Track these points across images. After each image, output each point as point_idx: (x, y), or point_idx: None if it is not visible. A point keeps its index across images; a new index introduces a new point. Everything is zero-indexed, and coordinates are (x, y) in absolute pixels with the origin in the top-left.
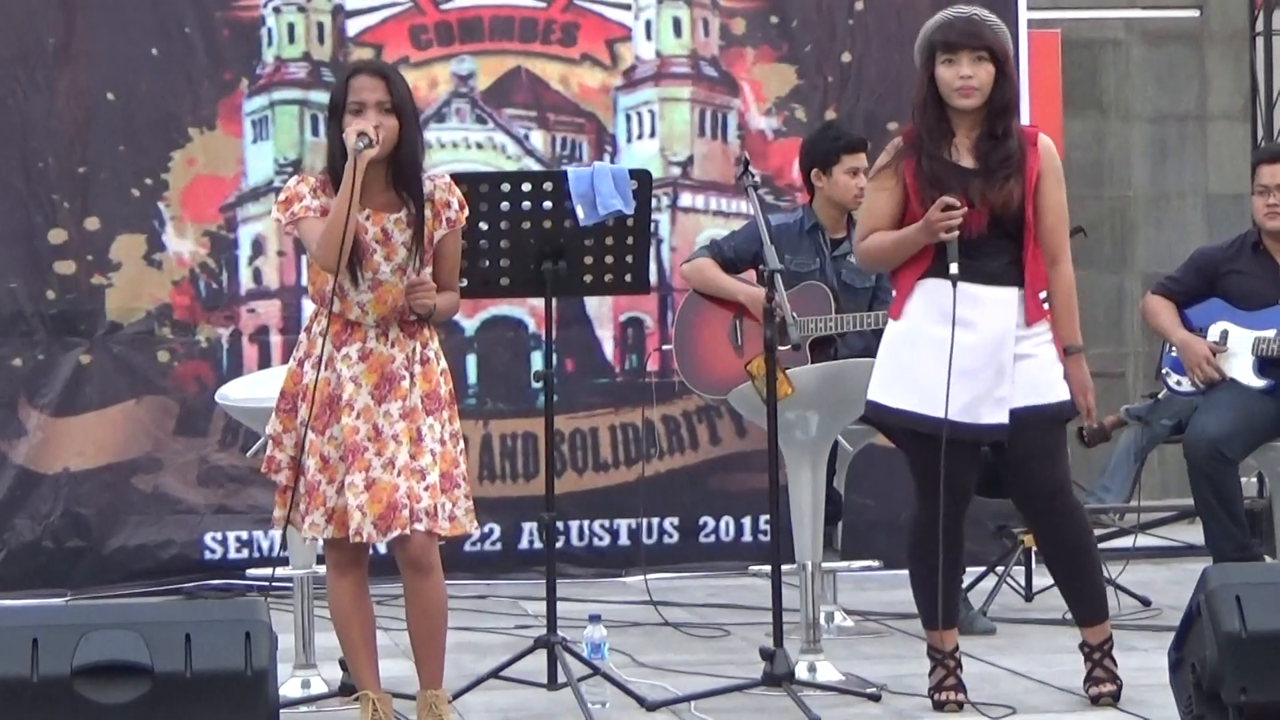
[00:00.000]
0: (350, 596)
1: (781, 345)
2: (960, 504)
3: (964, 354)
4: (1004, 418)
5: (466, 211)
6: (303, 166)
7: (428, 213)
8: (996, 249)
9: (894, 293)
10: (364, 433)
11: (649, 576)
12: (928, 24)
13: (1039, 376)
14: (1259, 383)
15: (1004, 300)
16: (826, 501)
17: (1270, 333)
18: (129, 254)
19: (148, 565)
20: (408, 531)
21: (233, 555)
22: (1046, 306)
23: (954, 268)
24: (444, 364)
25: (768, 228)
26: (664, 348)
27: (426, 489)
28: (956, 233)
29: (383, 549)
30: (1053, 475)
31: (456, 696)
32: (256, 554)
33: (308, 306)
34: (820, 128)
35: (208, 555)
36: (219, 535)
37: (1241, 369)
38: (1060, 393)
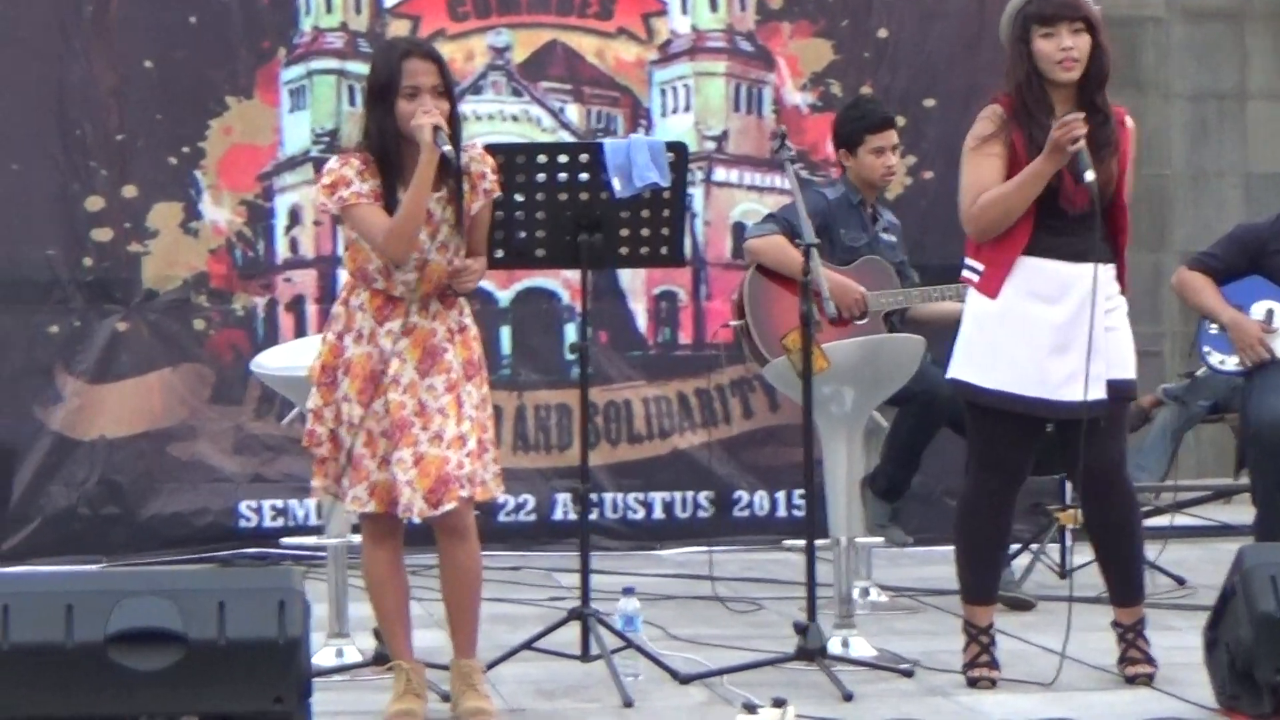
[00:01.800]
0: (386, 566)
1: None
2: (1017, 483)
3: (1054, 331)
4: (1102, 393)
5: (499, 178)
6: (339, 136)
7: (465, 186)
8: (1088, 226)
9: (981, 266)
10: (410, 408)
11: (683, 550)
12: None
13: (1122, 351)
14: None
15: (1100, 274)
16: (899, 475)
17: None
18: (166, 222)
19: (183, 533)
20: (457, 504)
21: (268, 524)
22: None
23: (1089, 175)
24: (476, 329)
25: (823, 201)
26: (732, 324)
27: (468, 455)
28: (1082, 140)
29: (417, 519)
30: (1116, 450)
31: (490, 667)
32: (291, 523)
33: (343, 276)
34: (846, 106)
35: (242, 523)
36: (254, 504)
37: None
38: (1133, 368)
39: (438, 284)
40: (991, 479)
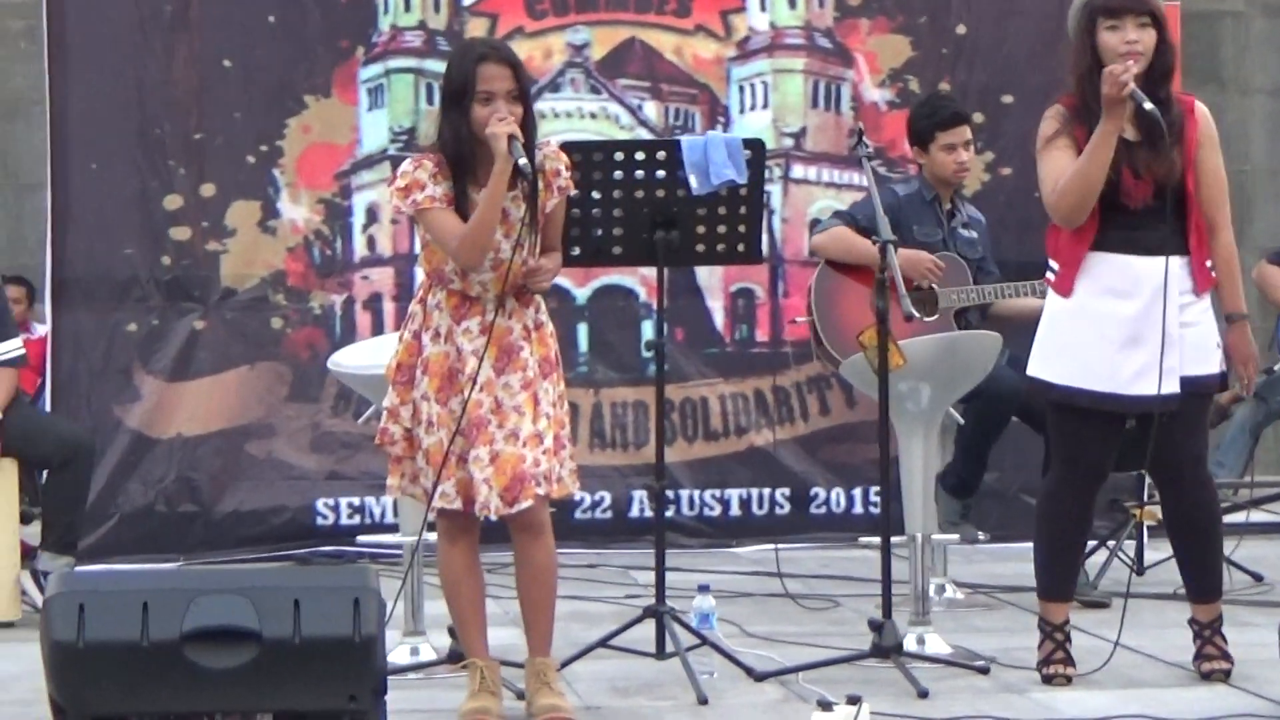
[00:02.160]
0: (461, 564)
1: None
2: (1099, 480)
3: (1126, 325)
4: (1175, 387)
5: (575, 174)
6: (417, 135)
7: (539, 185)
8: (1156, 219)
9: (1057, 265)
10: (487, 406)
11: (759, 547)
12: None
13: (1201, 346)
14: None
15: (1169, 266)
16: (969, 473)
17: None
18: (244, 220)
19: (260, 531)
20: (533, 502)
21: (344, 521)
22: (1213, 274)
23: (1148, 105)
24: (551, 326)
25: (893, 198)
26: (797, 320)
27: (544, 453)
28: (1131, 81)
29: (494, 516)
30: (1197, 446)
31: (565, 665)
32: (368, 520)
33: (419, 275)
34: (918, 104)
35: (319, 521)
36: (331, 501)
37: None
38: (1217, 364)
39: (513, 283)
40: (1072, 476)
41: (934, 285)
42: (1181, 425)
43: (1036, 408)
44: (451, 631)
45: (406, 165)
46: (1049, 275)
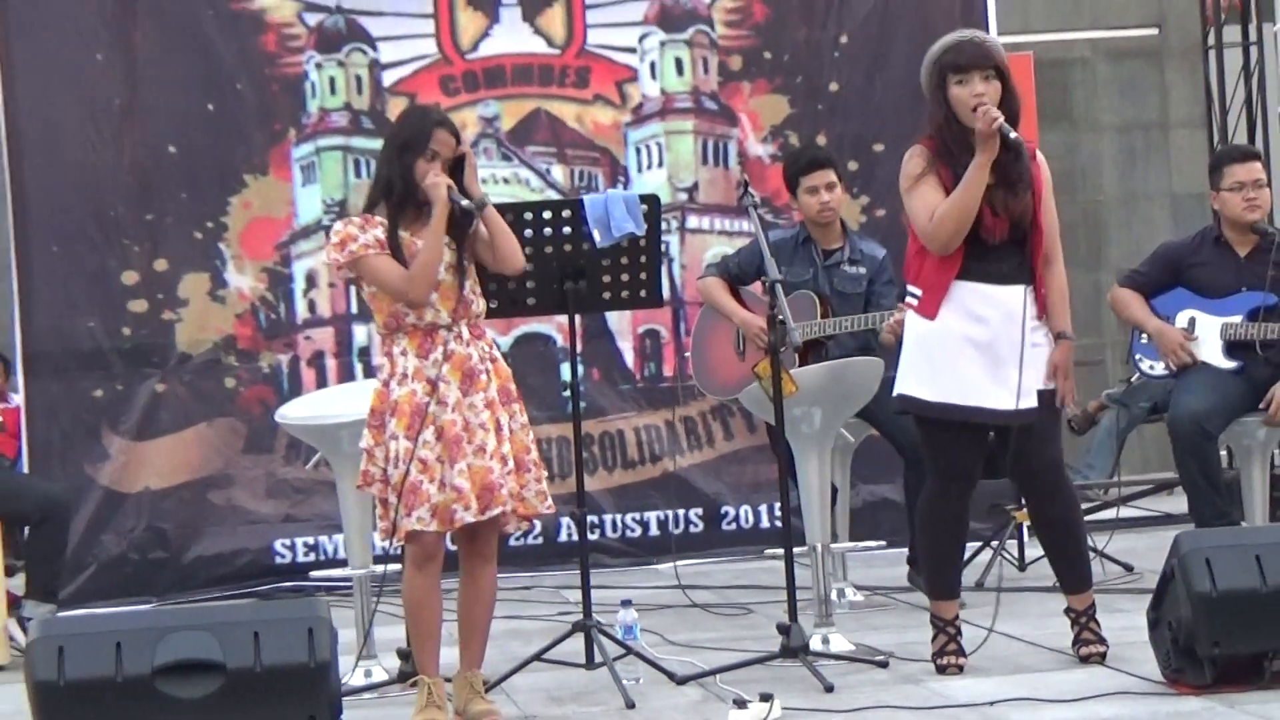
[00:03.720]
0: (426, 588)
1: (783, 348)
2: (970, 487)
3: (985, 347)
4: (1034, 401)
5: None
6: (347, 206)
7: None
8: (1008, 252)
9: (920, 291)
10: (459, 425)
11: (676, 563)
12: (934, 48)
13: (1046, 364)
14: (1229, 364)
15: (1018, 296)
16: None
17: (1237, 318)
18: (195, 291)
19: (224, 571)
20: (508, 508)
21: (300, 559)
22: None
23: (1014, 134)
24: (503, 362)
25: (767, 243)
26: (686, 354)
27: (508, 473)
28: (998, 114)
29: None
30: (1052, 453)
31: (503, 679)
32: (322, 556)
33: (359, 331)
34: (786, 156)
35: (278, 560)
36: (288, 541)
37: (1211, 352)
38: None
39: (458, 299)
40: (948, 484)
41: (784, 321)
42: (1038, 435)
43: (897, 427)
44: (401, 654)
45: (337, 225)
46: (910, 300)
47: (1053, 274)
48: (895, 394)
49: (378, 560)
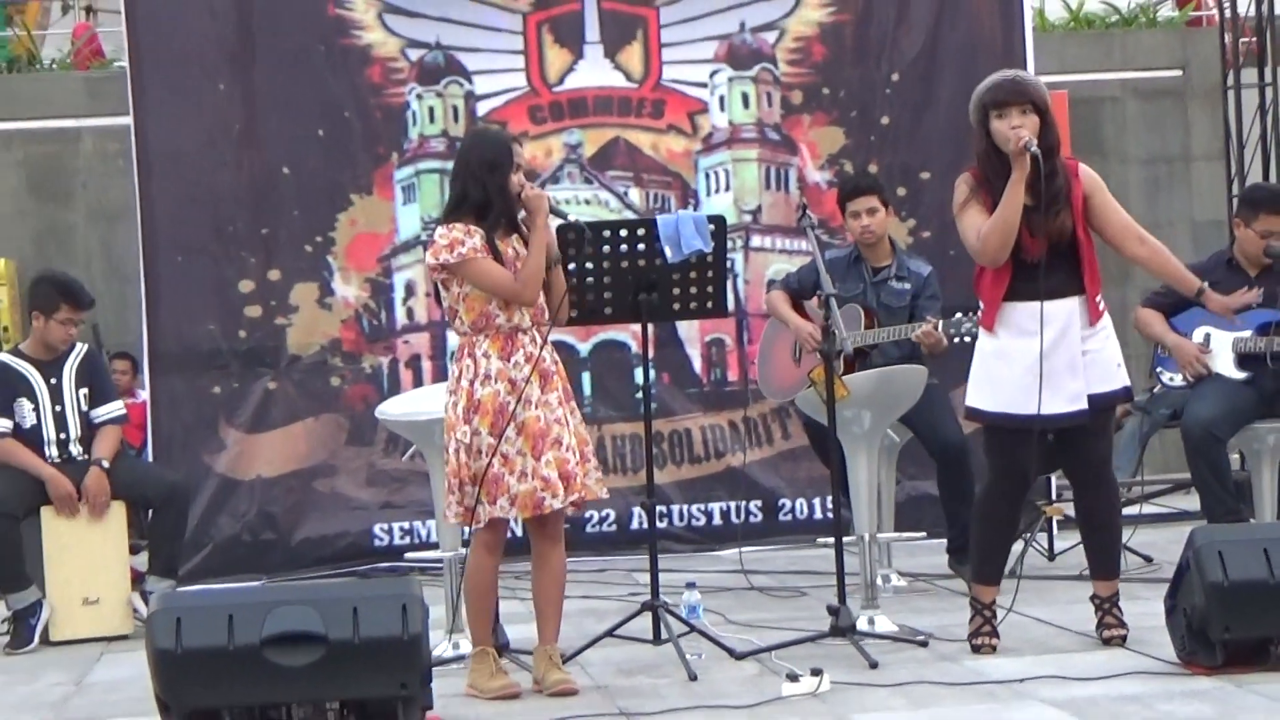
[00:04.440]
0: (492, 569)
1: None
2: (1024, 487)
3: (1036, 360)
4: (1084, 405)
5: (572, 250)
6: None
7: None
8: (1055, 267)
9: (983, 305)
10: (543, 420)
11: (737, 550)
12: (979, 88)
13: (1103, 367)
14: (1240, 375)
15: (1067, 309)
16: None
17: (1247, 332)
18: (305, 299)
19: (327, 552)
20: (583, 495)
21: (396, 542)
22: (1102, 307)
23: (1034, 148)
24: (562, 368)
25: (823, 260)
26: (754, 362)
27: (577, 464)
28: (1026, 136)
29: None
30: (1102, 450)
31: (578, 653)
32: (416, 540)
33: (452, 337)
34: (837, 184)
35: (376, 542)
36: (385, 526)
37: (1224, 364)
38: (1118, 380)
39: (537, 308)
40: (1003, 484)
41: (836, 331)
42: (1090, 434)
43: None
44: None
45: (441, 230)
46: (978, 314)
47: (1150, 248)
48: (966, 404)
49: (466, 544)
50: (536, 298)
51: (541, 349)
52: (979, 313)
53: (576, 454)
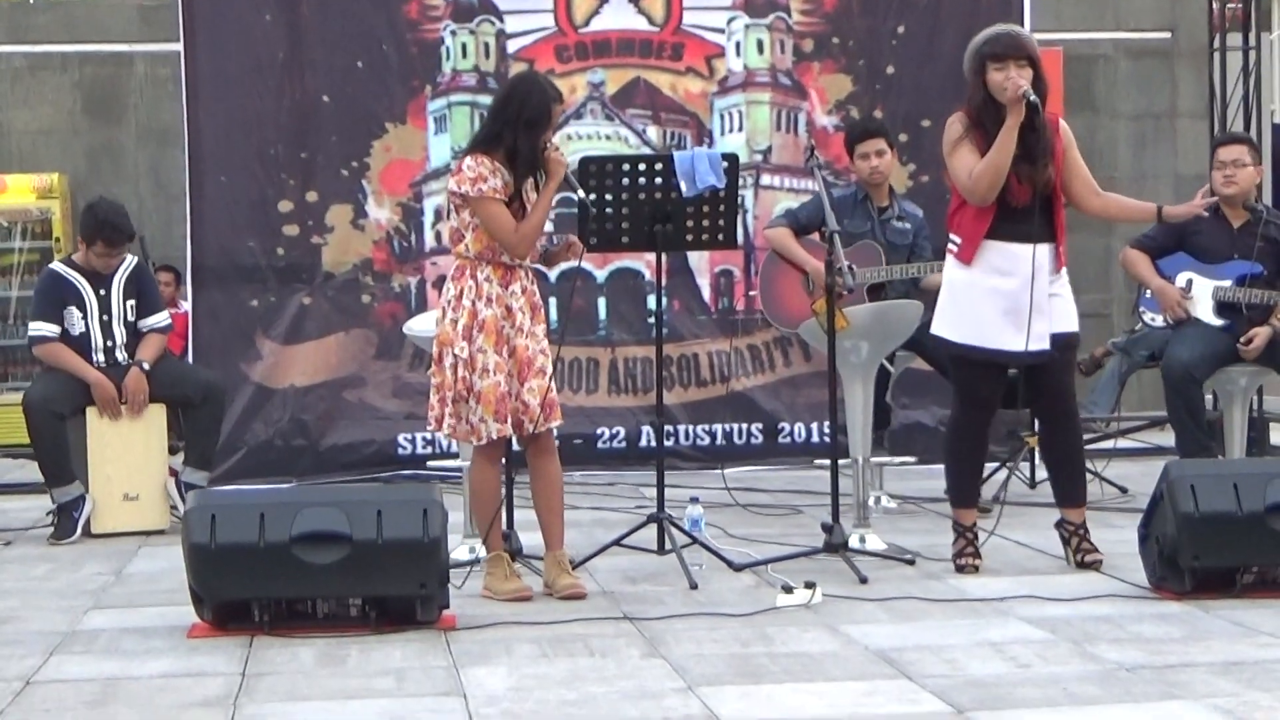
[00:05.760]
0: (496, 480)
1: (841, 290)
2: (989, 414)
3: (1008, 297)
4: (1045, 344)
5: (593, 181)
6: None
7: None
8: (1033, 215)
9: (959, 240)
10: (531, 349)
11: (739, 469)
12: (976, 40)
13: (1066, 310)
14: (1218, 322)
15: (1040, 252)
16: (880, 412)
17: (1227, 282)
18: (340, 220)
19: (354, 459)
20: (561, 421)
21: (419, 451)
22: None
23: (1033, 97)
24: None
25: (829, 199)
26: (751, 293)
27: (552, 386)
28: (1024, 86)
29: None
30: (1068, 385)
31: (587, 560)
32: (438, 450)
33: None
34: (846, 127)
35: (400, 451)
36: (409, 436)
37: (1204, 310)
38: (1075, 322)
39: (531, 257)
40: (970, 410)
41: (852, 266)
42: (1053, 370)
43: (940, 358)
44: (503, 535)
45: (469, 160)
46: (951, 247)
47: (1105, 198)
48: (931, 331)
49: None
50: (528, 254)
51: (533, 283)
52: (954, 246)
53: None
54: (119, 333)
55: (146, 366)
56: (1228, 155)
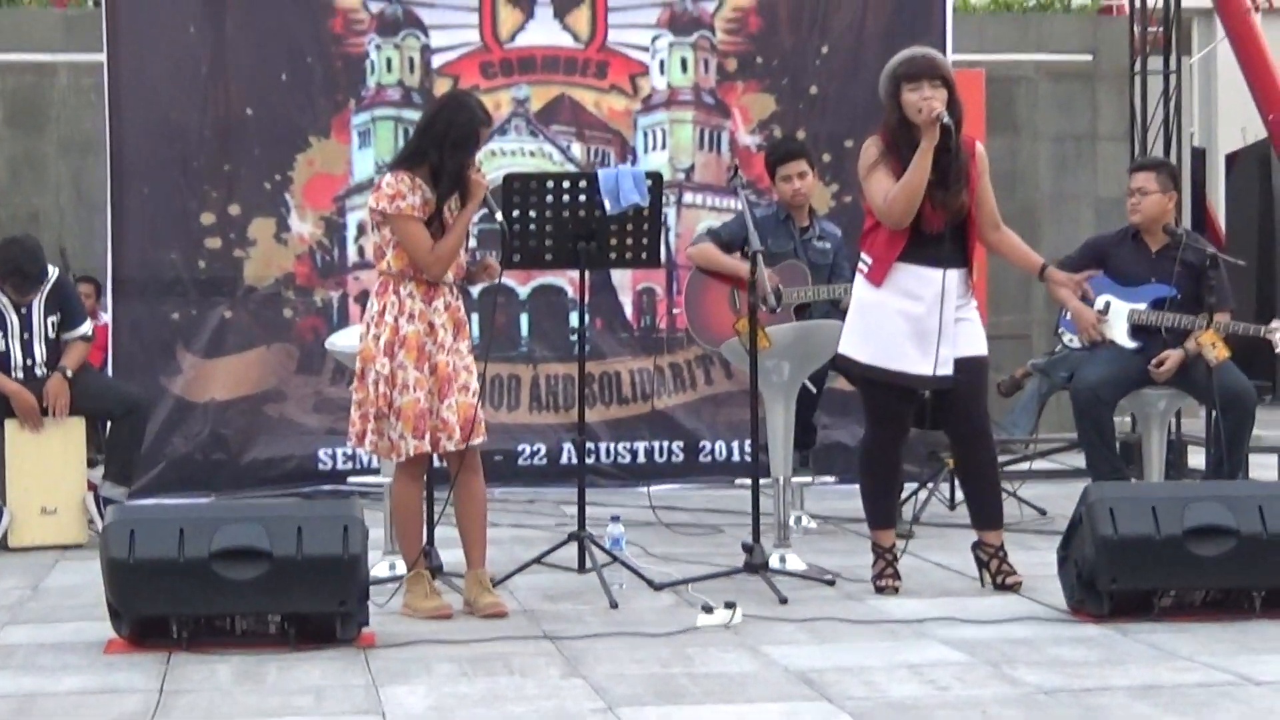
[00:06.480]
0: (417, 497)
1: (764, 308)
2: (900, 434)
3: (916, 321)
4: (949, 370)
5: (517, 198)
6: None
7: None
8: (946, 241)
9: (870, 261)
10: (453, 365)
11: (659, 487)
12: (892, 61)
13: (973, 334)
14: (1131, 344)
15: (950, 278)
16: (806, 432)
17: (1142, 305)
18: (262, 233)
19: (274, 474)
20: (485, 438)
21: (340, 466)
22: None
23: (946, 119)
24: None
25: (753, 218)
26: (675, 311)
27: (478, 405)
28: (938, 108)
29: (457, 448)
30: (980, 409)
31: (507, 578)
32: (358, 465)
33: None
34: (767, 147)
35: (320, 466)
36: (329, 450)
37: (1119, 333)
38: (983, 347)
39: (456, 274)
40: (881, 430)
41: (779, 286)
42: (963, 394)
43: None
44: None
45: (389, 178)
46: (862, 267)
47: (1003, 234)
48: (838, 351)
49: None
50: (442, 276)
51: (457, 299)
52: (865, 266)
53: (477, 396)
54: (39, 350)
55: (70, 374)
56: (1134, 183)
